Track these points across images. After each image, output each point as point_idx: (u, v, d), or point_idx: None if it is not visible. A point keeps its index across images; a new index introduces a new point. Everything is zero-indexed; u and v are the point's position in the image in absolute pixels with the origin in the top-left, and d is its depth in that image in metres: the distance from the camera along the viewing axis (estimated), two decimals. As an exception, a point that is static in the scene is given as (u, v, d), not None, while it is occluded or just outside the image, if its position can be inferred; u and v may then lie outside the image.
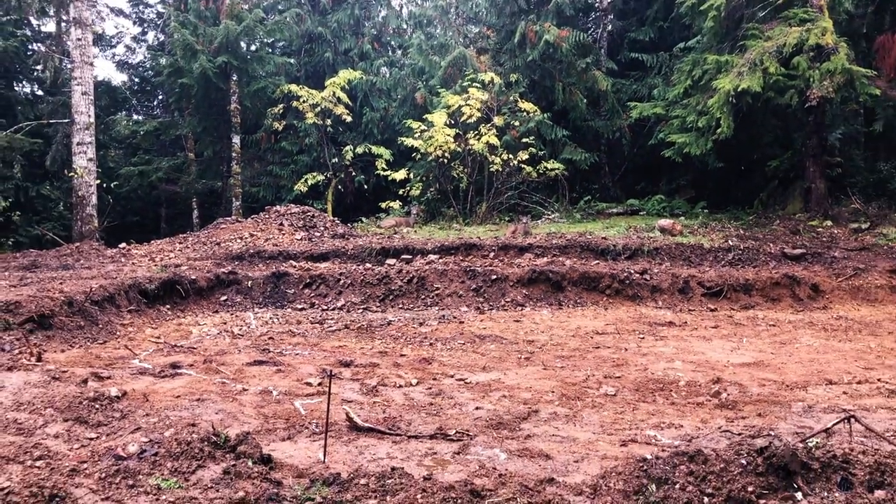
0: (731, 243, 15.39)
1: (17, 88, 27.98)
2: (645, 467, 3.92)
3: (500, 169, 21.62)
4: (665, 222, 17.16)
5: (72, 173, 20.10)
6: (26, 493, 3.62)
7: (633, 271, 12.88)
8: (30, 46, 27.89)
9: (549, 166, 21.61)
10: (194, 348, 8.95)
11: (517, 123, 22.25)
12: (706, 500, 3.67)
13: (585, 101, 22.73)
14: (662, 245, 14.89)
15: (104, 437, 4.61)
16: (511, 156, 21.51)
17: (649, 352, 8.76)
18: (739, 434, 4.49)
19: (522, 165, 21.54)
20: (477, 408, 6.30)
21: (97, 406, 5.04)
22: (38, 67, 27.34)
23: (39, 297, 9.07)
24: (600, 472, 4.26)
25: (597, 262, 14.02)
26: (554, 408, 6.32)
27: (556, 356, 8.54)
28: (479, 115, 21.54)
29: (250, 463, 4.25)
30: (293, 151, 27.26)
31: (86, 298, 9.74)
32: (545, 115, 22.29)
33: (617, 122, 22.99)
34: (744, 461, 3.80)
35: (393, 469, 4.27)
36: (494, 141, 21.30)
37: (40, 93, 28.25)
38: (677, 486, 3.73)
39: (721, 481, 3.74)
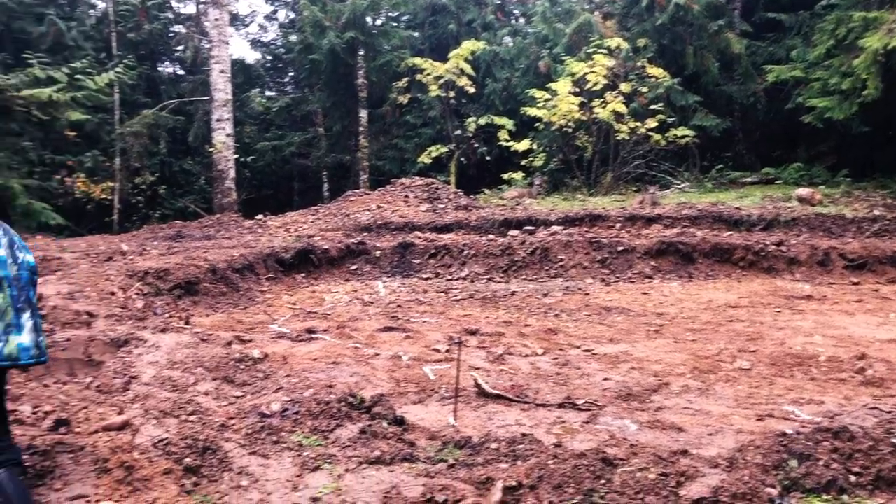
0: (876, 213, 14.41)
1: (160, 69, 29.72)
2: (785, 442, 3.78)
3: (627, 137, 21.06)
4: (804, 191, 16.25)
5: (211, 148, 21.19)
6: (182, 445, 3.91)
7: (768, 242, 12.29)
8: (171, 28, 29.49)
9: (678, 134, 20.86)
10: (328, 314, 9.31)
11: (645, 90, 21.57)
12: (852, 478, 3.50)
13: (718, 65, 21.73)
14: (801, 215, 14.12)
15: (249, 395, 4.90)
16: (638, 123, 20.89)
17: (786, 326, 8.38)
18: (889, 412, 4.24)
19: (650, 133, 20.89)
20: (605, 379, 6.25)
21: (242, 367, 5.36)
22: (180, 48, 28.88)
23: (186, 265, 9.66)
24: (736, 445, 4.14)
25: (729, 233, 13.47)
26: (685, 381, 6.18)
27: (686, 329, 8.32)
28: (604, 82, 21.02)
29: (385, 424, 4.41)
30: (417, 124, 27.58)
31: (228, 266, 10.30)
32: (675, 80, 21.49)
33: (751, 87, 21.85)
34: (896, 441, 3.60)
35: (523, 435, 4.32)
36: (621, 108, 20.76)
37: (181, 72, 29.88)
38: (820, 462, 3.58)
39: (870, 460, 3.56)
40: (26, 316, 3.23)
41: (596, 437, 4.65)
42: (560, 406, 5.43)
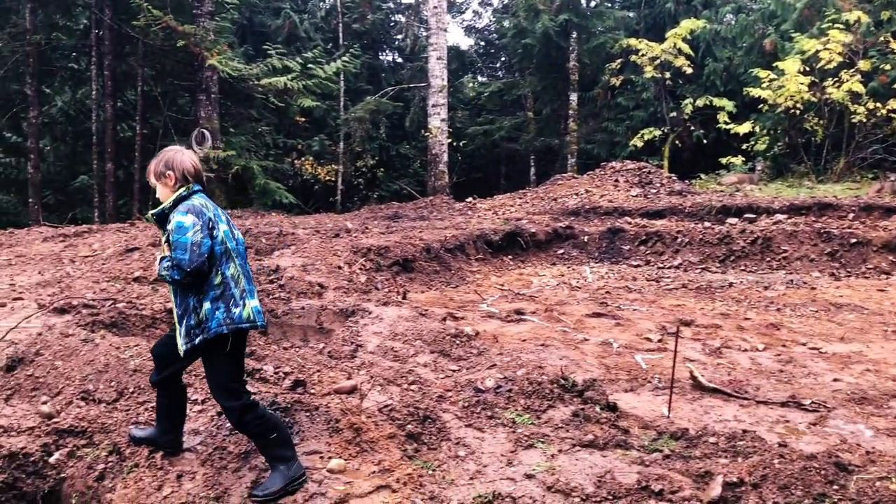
0: None
1: (381, 57, 31.26)
2: None
3: (864, 120, 19.17)
4: None
5: (427, 133, 22.01)
6: (405, 412, 4.13)
7: None
8: (392, 18, 30.87)
9: (927, 116, 18.69)
10: (535, 297, 9.38)
11: (888, 67, 19.49)
12: None
13: (981, 37, 19.17)
14: None
15: (464, 370, 5.08)
16: (878, 104, 18.95)
17: None
18: None
19: (892, 115, 18.89)
20: (835, 379, 5.79)
21: (457, 342, 5.56)
22: (399, 36, 30.18)
23: (404, 243, 10.14)
24: None
25: None
26: (932, 388, 5.57)
27: (933, 332, 7.48)
28: (839, 59, 19.25)
29: (598, 408, 4.38)
30: (629, 107, 26.87)
31: (441, 246, 10.68)
32: (924, 56, 19.24)
33: None
34: None
35: (744, 431, 4.12)
36: (858, 88, 18.93)
37: (400, 60, 31.23)
38: None
39: None
40: (250, 283, 3.58)
41: (825, 440, 4.33)
42: (783, 405, 5.11)
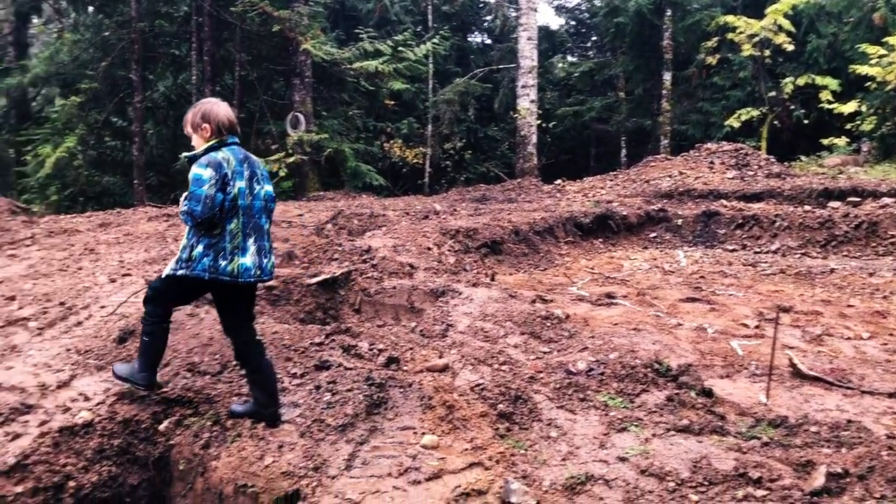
0: None
1: (470, 39, 31.18)
2: None
3: (984, 98, 17.99)
4: None
5: (515, 114, 21.87)
6: (496, 391, 4.16)
7: None
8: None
9: None
10: (626, 281, 9.24)
11: None
12: None
13: None
14: None
15: (555, 352, 5.06)
16: None
17: None
18: None
19: None
20: (949, 372, 5.49)
21: (548, 324, 5.54)
22: (489, 18, 30.02)
23: (492, 225, 10.15)
24: None
25: None
26: None
27: None
28: (958, 33, 18.09)
29: (693, 394, 4.31)
30: (725, 86, 25.95)
31: (529, 229, 10.64)
32: None
33: None
34: None
35: (849, 422, 3.98)
36: (978, 64, 17.75)
37: (489, 41, 31.07)
38: None
39: None
40: (251, 241, 3.81)
41: (939, 435, 4.13)
42: (891, 395, 4.89)
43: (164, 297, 3.93)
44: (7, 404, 3.83)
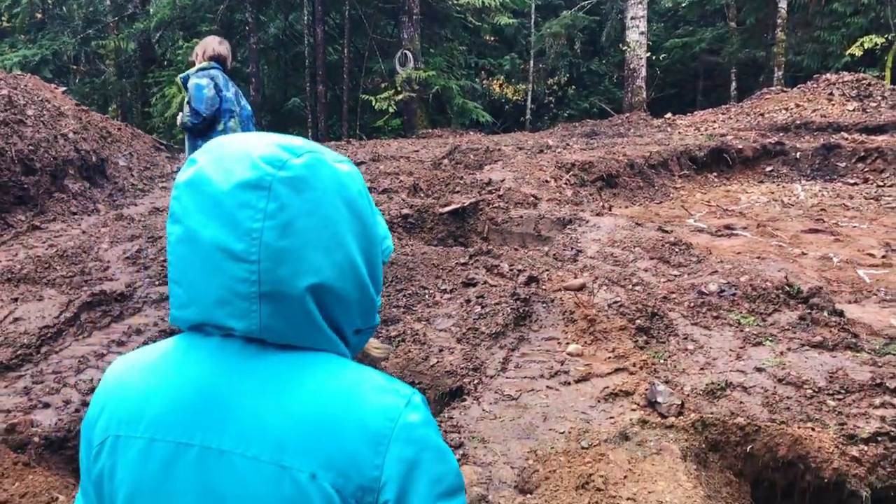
0: None
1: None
2: None
3: None
4: None
5: (624, 47, 21.46)
6: (633, 309, 4.43)
7: None
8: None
9: None
10: (745, 213, 9.23)
11: None
12: None
13: None
14: None
15: (685, 275, 5.27)
16: None
17: None
18: None
19: None
20: None
21: (676, 249, 5.73)
22: (593, -52, 29.18)
23: (607, 158, 10.25)
24: None
25: None
26: None
27: None
28: None
29: (825, 314, 4.46)
30: (846, 13, 24.54)
31: (644, 162, 10.67)
32: None
33: None
34: None
35: None
36: None
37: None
38: None
39: None
40: None
41: None
42: None
43: None
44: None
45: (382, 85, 18.35)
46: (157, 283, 4.83)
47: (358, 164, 9.34)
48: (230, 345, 0.98)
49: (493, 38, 25.09)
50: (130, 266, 5.21)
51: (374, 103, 17.14)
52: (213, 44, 4.94)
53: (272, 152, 0.97)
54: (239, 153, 0.97)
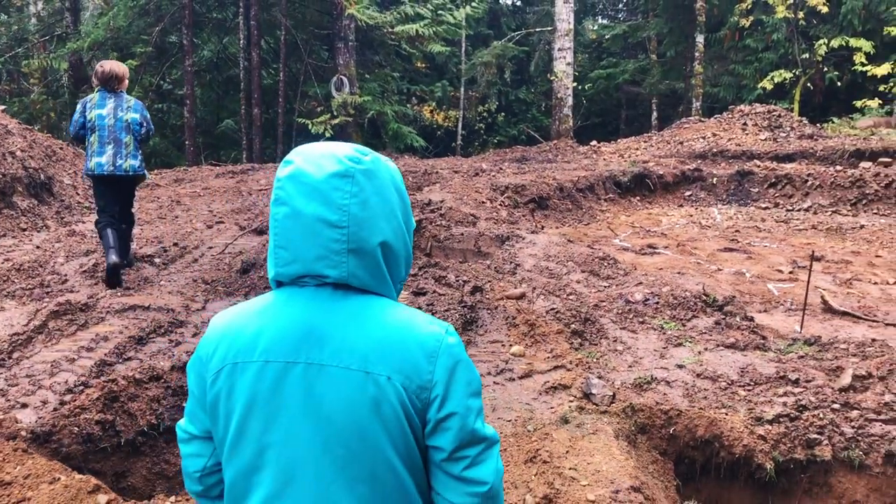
0: None
1: (501, 2, 31.42)
2: None
3: None
4: None
5: (552, 77, 22.32)
6: (568, 315, 4.86)
7: None
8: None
9: None
10: (666, 234, 9.88)
11: None
12: None
13: None
14: None
15: (613, 286, 5.75)
16: None
17: None
18: None
19: None
20: (965, 309, 6.11)
21: (605, 264, 6.23)
22: (521, -19, 30.22)
23: (538, 182, 10.80)
24: None
25: None
26: None
27: None
28: None
29: (738, 319, 4.99)
30: (758, 49, 26.08)
31: (573, 186, 11.27)
32: None
33: None
34: None
35: (872, 340, 4.64)
36: None
37: (519, 3, 31.30)
38: None
39: None
40: (109, 147, 5.66)
41: (951, 354, 4.78)
42: (912, 327, 5.53)
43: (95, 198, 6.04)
44: (163, 320, 4.60)
45: (318, 109, 18.64)
46: (118, 294, 5.04)
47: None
48: (322, 291, 1.39)
49: (424, 66, 25.69)
50: (89, 279, 5.39)
51: (310, 127, 17.40)
52: (99, 70, 5.86)
53: (351, 153, 1.39)
54: (327, 154, 1.39)
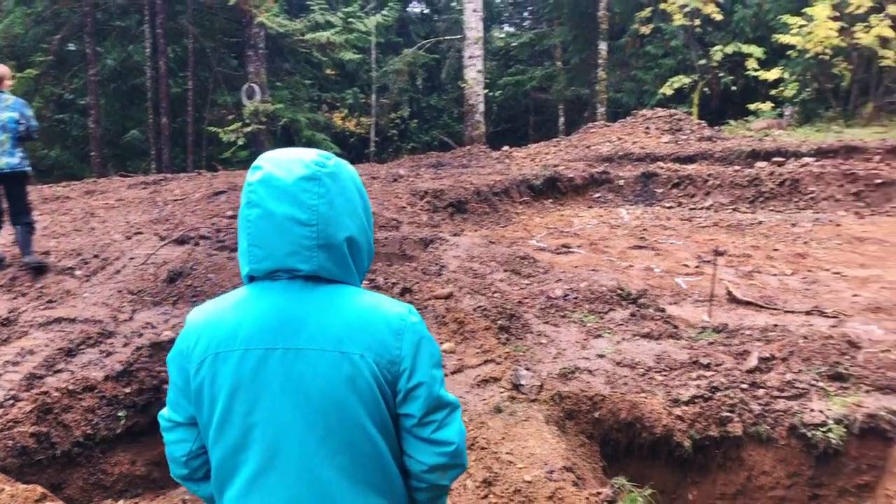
0: None
1: (409, 10, 31.71)
2: None
3: (893, 64, 19.58)
4: None
5: (463, 84, 22.68)
6: (495, 312, 5.06)
7: None
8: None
9: (955, 60, 19.03)
10: (579, 234, 10.26)
11: (917, 12, 19.80)
12: None
13: None
14: None
15: (535, 284, 6.00)
16: (907, 49, 19.32)
17: None
18: None
19: (921, 60, 19.25)
20: (854, 295, 6.63)
21: (525, 263, 6.47)
22: (430, -11, 30.59)
23: (456, 187, 11.02)
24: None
25: None
26: (938, 300, 6.40)
27: (945, 258, 8.27)
28: (869, 4, 19.58)
29: (651, 311, 5.30)
30: (658, 55, 27.19)
31: (489, 190, 11.55)
32: (954, 0, 19.49)
33: None
34: None
35: (774, 325, 5.02)
36: (888, 33, 19.26)
37: (427, 11, 31.68)
38: None
39: None
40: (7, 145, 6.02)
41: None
42: (808, 313, 5.98)
43: None
44: (91, 331, 4.56)
45: (229, 117, 18.40)
46: (41, 307, 4.94)
47: (218, 194, 9.56)
48: (294, 283, 1.52)
49: (335, 73, 25.67)
50: (6, 293, 5.26)
51: (221, 135, 17.17)
52: None
53: (317, 158, 1.55)
54: (294, 159, 1.53)
